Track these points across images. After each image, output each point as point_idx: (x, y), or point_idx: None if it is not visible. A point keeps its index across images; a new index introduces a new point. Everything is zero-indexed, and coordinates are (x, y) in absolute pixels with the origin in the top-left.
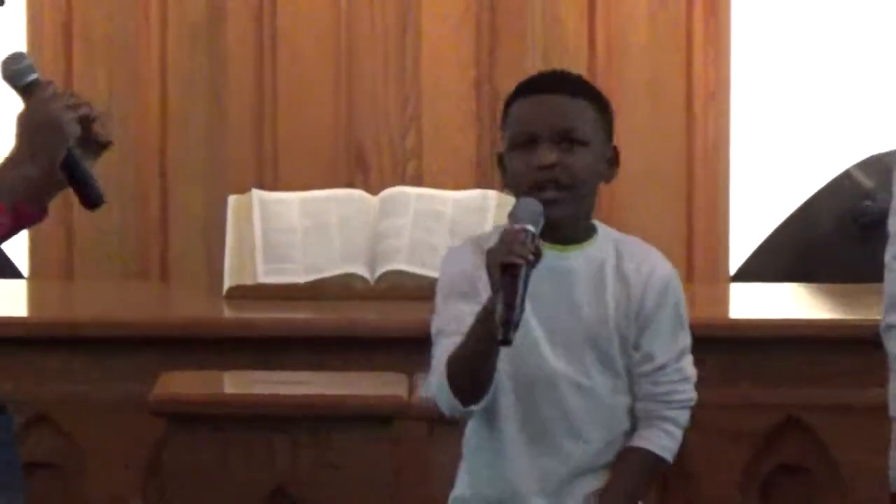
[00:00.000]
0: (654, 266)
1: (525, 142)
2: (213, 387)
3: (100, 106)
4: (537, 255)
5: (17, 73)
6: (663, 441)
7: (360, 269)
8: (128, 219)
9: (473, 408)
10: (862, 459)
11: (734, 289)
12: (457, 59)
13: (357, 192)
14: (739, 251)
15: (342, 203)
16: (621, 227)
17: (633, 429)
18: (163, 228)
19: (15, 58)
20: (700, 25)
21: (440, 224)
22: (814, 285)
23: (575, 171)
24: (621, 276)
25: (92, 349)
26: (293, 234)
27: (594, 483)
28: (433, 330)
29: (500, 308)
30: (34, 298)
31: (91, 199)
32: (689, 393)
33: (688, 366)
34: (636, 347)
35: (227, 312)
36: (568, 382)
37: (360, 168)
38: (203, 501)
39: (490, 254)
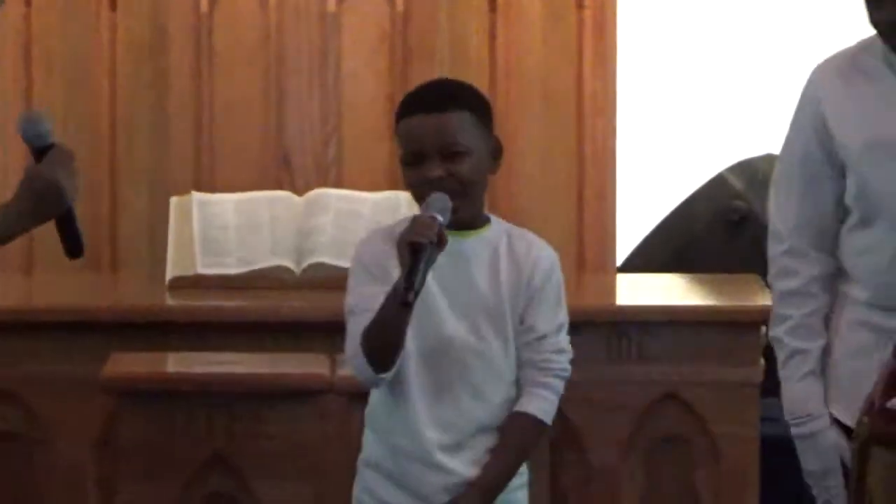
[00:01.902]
0: (540, 250)
1: (414, 160)
2: (158, 366)
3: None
4: (441, 239)
5: (38, 135)
6: (543, 405)
7: (288, 262)
8: (81, 216)
9: (384, 375)
10: (734, 430)
11: (620, 278)
12: (373, 77)
13: (285, 194)
14: (625, 245)
15: (272, 203)
16: (518, 223)
17: (519, 396)
18: (112, 225)
19: (38, 119)
20: (589, 45)
21: (358, 222)
22: (690, 275)
23: (463, 178)
24: (513, 258)
25: (50, 333)
26: (228, 230)
27: (490, 441)
28: (346, 309)
29: (404, 277)
30: None
31: (75, 251)
32: (565, 364)
33: (564, 341)
34: (522, 321)
35: (170, 300)
36: (467, 347)
37: (287, 172)
38: (149, 468)
39: (402, 234)
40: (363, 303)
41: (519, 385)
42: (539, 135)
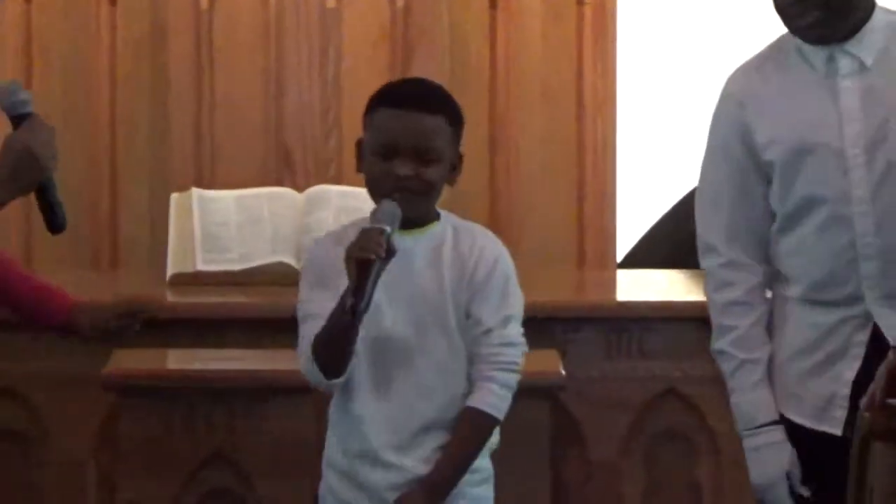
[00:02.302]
0: (485, 243)
1: (385, 152)
2: (159, 363)
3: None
4: (389, 252)
5: (15, 104)
6: (489, 399)
7: (288, 258)
8: (81, 213)
9: (336, 381)
10: (734, 426)
11: (620, 274)
12: (374, 72)
13: (285, 190)
14: (625, 241)
15: (272, 199)
16: (519, 219)
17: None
18: (112, 221)
19: (14, 89)
20: (590, 41)
21: (359, 217)
22: (689, 271)
23: (427, 182)
24: (457, 253)
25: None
26: (229, 227)
27: (440, 438)
28: (298, 314)
29: (350, 295)
30: None
31: (56, 225)
32: (513, 357)
33: (513, 333)
34: (468, 315)
35: (171, 297)
36: (408, 342)
37: (287, 168)
38: (149, 465)
39: (348, 249)
40: (312, 309)
41: (471, 381)
42: (539, 131)
